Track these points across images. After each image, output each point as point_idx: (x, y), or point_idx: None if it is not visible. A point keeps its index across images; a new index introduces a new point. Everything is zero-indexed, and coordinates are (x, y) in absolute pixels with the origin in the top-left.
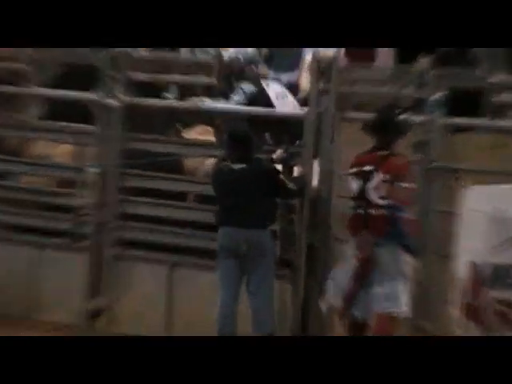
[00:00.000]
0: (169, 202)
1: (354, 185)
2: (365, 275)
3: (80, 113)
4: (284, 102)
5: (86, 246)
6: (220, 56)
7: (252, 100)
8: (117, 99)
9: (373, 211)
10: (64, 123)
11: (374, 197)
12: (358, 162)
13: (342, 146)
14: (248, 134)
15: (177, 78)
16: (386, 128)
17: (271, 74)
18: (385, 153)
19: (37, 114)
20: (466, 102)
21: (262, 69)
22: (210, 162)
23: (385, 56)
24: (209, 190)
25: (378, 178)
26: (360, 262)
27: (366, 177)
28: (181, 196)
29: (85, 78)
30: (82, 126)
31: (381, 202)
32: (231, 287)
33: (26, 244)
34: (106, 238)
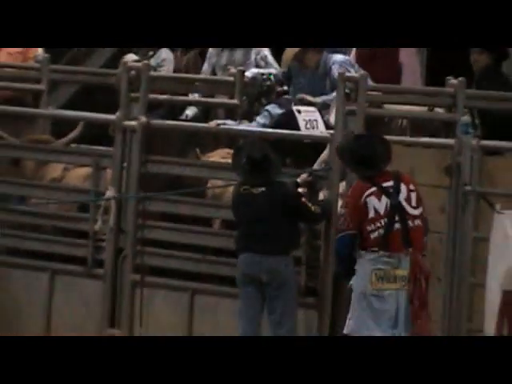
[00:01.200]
0: (187, 227)
1: (379, 203)
2: (424, 293)
3: (99, 135)
4: (312, 132)
5: (102, 273)
6: (242, 75)
7: (278, 123)
8: (136, 121)
9: (410, 223)
10: (82, 145)
11: (408, 208)
12: (371, 183)
13: None
14: (267, 157)
15: (196, 98)
16: (372, 158)
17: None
18: (391, 170)
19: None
20: (498, 125)
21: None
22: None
23: (413, 77)
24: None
25: (404, 189)
26: (419, 281)
27: (391, 192)
28: (205, 221)
29: (104, 99)
30: (100, 148)
31: (416, 211)
32: (252, 315)
33: (42, 270)
34: (123, 264)
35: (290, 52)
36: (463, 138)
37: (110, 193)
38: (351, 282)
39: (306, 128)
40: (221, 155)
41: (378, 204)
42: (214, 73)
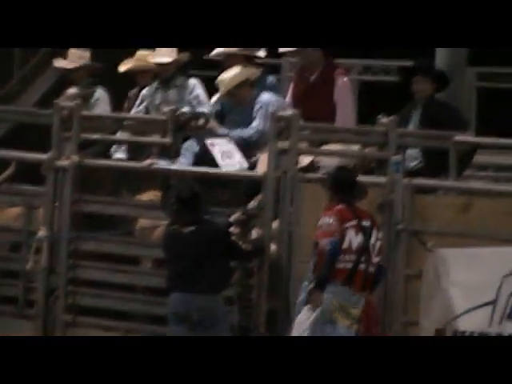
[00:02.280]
0: (121, 266)
1: (355, 238)
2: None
3: (30, 174)
4: (230, 162)
5: (34, 313)
6: (174, 114)
7: (197, 160)
8: (68, 159)
9: (370, 267)
10: (13, 185)
11: (372, 254)
12: (353, 215)
13: (302, 208)
14: (195, 195)
15: (128, 137)
16: (352, 187)
17: (222, 129)
18: (365, 209)
19: None
20: (431, 162)
21: (212, 124)
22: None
23: (346, 116)
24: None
25: (374, 235)
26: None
27: (366, 232)
28: (134, 260)
29: (35, 137)
30: (32, 187)
31: (376, 259)
32: None
33: None
34: (55, 304)
35: (224, 87)
36: (395, 176)
37: (42, 232)
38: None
39: (222, 159)
40: (150, 196)
41: (354, 238)
42: (147, 112)
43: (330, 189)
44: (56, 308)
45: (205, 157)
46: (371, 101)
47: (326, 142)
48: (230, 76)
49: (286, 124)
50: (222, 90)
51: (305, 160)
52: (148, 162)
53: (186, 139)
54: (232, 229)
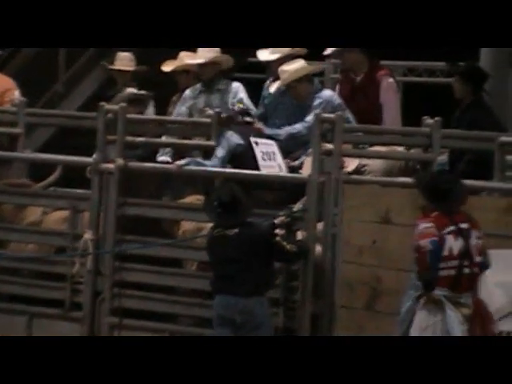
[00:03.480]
0: (167, 269)
1: (455, 244)
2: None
3: (76, 177)
4: (269, 164)
5: (80, 316)
6: (219, 115)
7: (235, 154)
8: (113, 163)
9: (475, 269)
10: (60, 189)
11: (475, 255)
12: (450, 221)
13: (346, 210)
14: (236, 199)
15: (172, 140)
16: (447, 193)
17: (268, 130)
18: (465, 212)
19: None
20: (474, 163)
21: (259, 124)
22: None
23: (392, 117)
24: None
25: (474, 235)
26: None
27: (465, 235)
28: (177, 263)
29: (80, 141)
30: (77, 191)
31: (478, 259)
32: None
33: (20, 313)
34: (101, 306)
35: (284, 79)
36: None
37: (88, 236)
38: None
39: (263, 160)
40: (193, 199)
41: (454, 244)
42: (190, 115)
43: (424, 197)
44: (102, 310)
45: (246, 154)
46: (416, 102)
47: (372, 145)
48: (292, 69)
49: (331, 126)
50: (282, 81)
51: (351, 165)
52: (180, 162)
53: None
54: (277, 231)
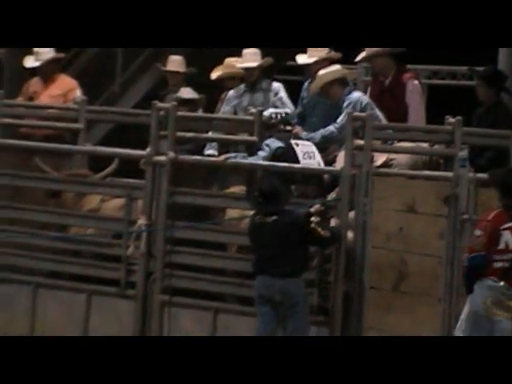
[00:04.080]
0: (212, 252)
1: (510, 239)
2: None
3: (131, 169)
4: (309, 162)
5: (134, 294)
6: (260, 114)
7: (277, 155)
8: (164, 156)
9: None
10: (116, 178)
11: None
12: (509, 218)
13: (375, 200)
14: (276, 189)
15: (218, 136)
16: None
17: (305, 134)
18: None
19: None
20: (493, 160)
21: (298, 129)
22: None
23: (417, 116)
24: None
25: None
26: None
27: None
28: (221, 246)
29: (135, 136)
30: (132, 181)
31: None
32: (267, 332)
33: (80, 291)
34: (153, 286)
35: (318, 82)
36: (460, 172)
37: (142, 221)
38: (468, 298)
39: (304, 158)
40: (237, 190)
41: (510, 239)
42: (235, 113)
43: (497, 192)
44: (154, 289)
45: (287, 155)
46: (439, 103)
47: (399, 140)
48: (326, 72)
49: (362, 123)
50: (316, 84)
51: (380, 159)
52: (224, 156)
53: (269, 137)
54: (312, 218)
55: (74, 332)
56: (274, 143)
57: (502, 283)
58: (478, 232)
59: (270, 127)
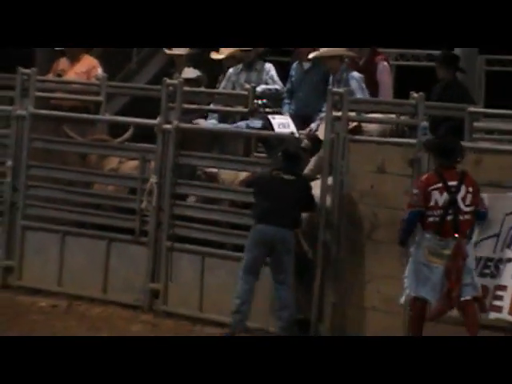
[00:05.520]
0: (209, 206)
1: (440, 197)
2: (460, 271)
3: (145, 135)
4: (284, 130)
5: (146, 241)
6: (254, 90)
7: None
8: (172, 124)
9: (461, 217)
10: (132, 143)
11: (462, 205)
12: (439, 179)
13: (350, 163)
14: (300, 153)
15: (218, 107)
16: (454, 150)
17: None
18: (460, 170)
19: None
20: (448, 128)
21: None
22: (243, 175)
23: (386, 92)
24: (239, 197)
25: (463, 190)
26: (457, 261)
27: (453, 190)
28: (215, 201)
29: (148, 107)
30: (145, 145)
31: (468, 209)
32: (255, 270)
33: (101, 238)
34: (162, 234)
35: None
36: (422, 139)
37: (153, 179)
38: (411, 250)
39: (279, 128)
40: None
41: (439, 197)
42: (233, 89)
43: (432, 155)
44: (162, 237)
45: (265, 129)
46: (405, 80)
47: (370, 112)
48: (328, 49)
49: (340, 98)
50: (316, 54)
51: (352, 124)
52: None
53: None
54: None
55: (96, 273)
56: (252, 123)
57: (435, 235)
58: (415, 190)
59: (253, 112)
